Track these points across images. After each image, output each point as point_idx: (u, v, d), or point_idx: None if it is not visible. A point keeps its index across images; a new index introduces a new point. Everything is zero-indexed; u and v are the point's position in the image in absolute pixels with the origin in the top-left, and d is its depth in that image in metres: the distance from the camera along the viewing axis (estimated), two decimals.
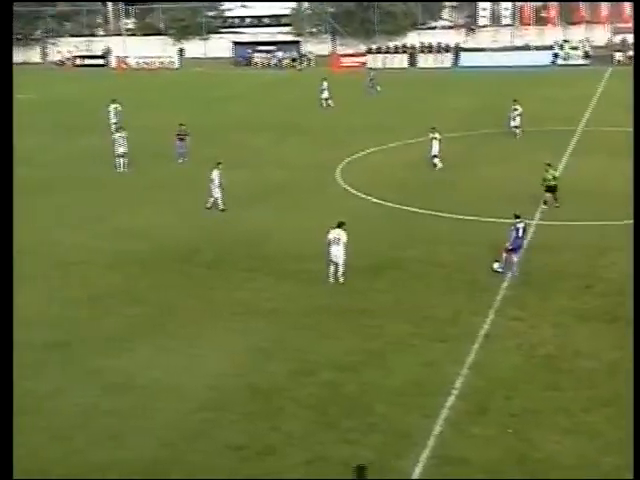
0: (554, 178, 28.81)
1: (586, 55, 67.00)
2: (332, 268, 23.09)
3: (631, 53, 64.38)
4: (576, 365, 18.11)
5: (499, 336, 19.53)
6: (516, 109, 39.78)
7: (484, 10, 72.37)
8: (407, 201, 29.88)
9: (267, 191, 32.45)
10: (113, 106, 44.38)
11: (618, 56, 65.31)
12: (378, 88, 56.52)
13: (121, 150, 36.24)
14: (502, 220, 26.89)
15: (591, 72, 61.02)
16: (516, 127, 39.70)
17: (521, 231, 23.28)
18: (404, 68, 70.49)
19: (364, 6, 75.67)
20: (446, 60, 70.83)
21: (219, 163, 30.30)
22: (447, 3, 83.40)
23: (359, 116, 47.88)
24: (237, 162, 35.46)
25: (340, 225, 23.36)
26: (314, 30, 79.96)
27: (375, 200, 30.31)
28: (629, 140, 38.25)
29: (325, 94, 50.71)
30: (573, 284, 22.45)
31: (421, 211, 29.04)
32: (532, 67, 64.85)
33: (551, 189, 28.65)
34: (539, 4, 73.00)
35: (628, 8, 69.52)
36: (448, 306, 21.23)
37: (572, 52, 67.43)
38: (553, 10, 70.63)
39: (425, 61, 71.19)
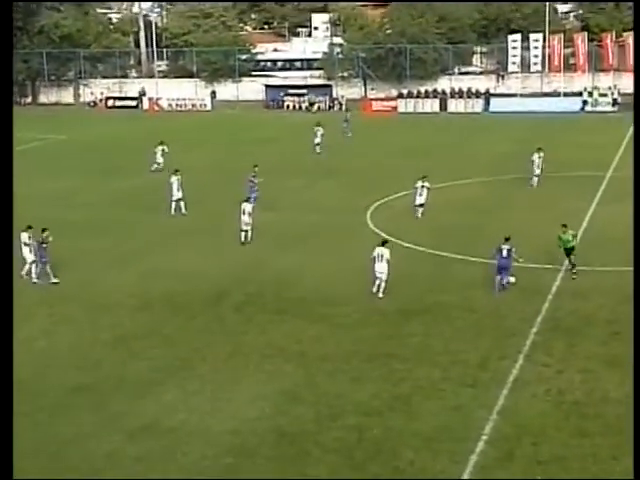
0: (574, 237, 26.90)
1: (614, 102, 67.05)
2: (377, 282, 25.10)
3: None
4: (604, 411, 17.98)
5: (528, 381, 19.45)
6: (540, 156, 39.55)
7: (514, 57, 72.71)
8: (439, 246, 29.91)
9: (298, 234, 32.61)
10: (160, 147, 44.94)
11: None
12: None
13: (179, 194, 35.40)
14: (532, 265, 26.89)
15: (619, 118, 60.96)
16: (537, 175, 39.46)
17: (505, 252, 24.87)
18: (435, 112, 70.87)
19: (395, 52, 76.36)
20: (476, 105, 71.14)
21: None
22: (477, 49, 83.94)
23: (389, 159, 48.08)
24: (269, 204, 35.72)
25: (384, 243, 25.65)
26: (345, 74, 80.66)
27: (406, 244, 30.37)
28: None
29: (317, 139, 50.30)
30: (602, 330, 22.34)
31: (453, 256, 29.02)
32: (561, 113, 64.99)
33: (569, 251, 26.67)
34: (568, 51, 73.24)
35: None
36: (477, 351, 21.17)
37: (601, 99, 67.54)
38: (582, 57, 70.85)
39: (456, 106, 71.53)
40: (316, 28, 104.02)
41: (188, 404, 18.69)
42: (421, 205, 34.33)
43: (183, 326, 23.34)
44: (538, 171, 39.47)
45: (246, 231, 31.24)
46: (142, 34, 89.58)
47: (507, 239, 25.36)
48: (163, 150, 44.77)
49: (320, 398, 18.86)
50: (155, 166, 44.12)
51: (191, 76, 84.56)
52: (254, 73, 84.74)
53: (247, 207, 31.31)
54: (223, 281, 27.04)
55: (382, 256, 25.06)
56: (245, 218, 31.10)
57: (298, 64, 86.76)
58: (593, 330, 22.34)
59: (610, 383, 19.23)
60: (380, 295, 25.03)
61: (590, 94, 68.16)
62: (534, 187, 39.28)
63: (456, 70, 79.06)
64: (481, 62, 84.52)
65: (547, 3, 76.65)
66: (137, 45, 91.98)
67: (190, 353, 21.41)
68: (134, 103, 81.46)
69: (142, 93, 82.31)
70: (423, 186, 34.36)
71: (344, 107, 71.21)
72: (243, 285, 26.71)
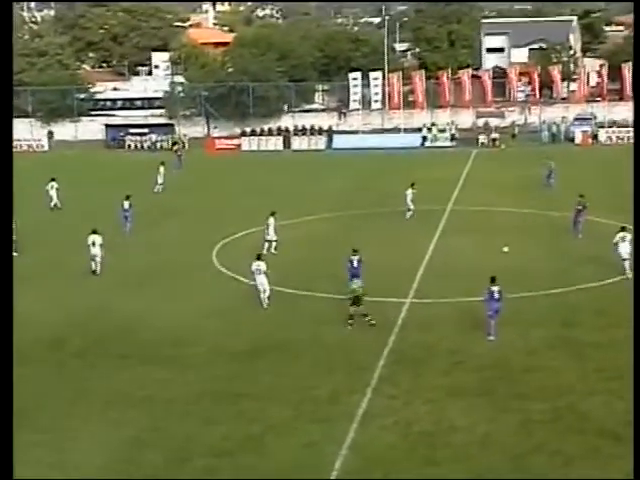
0: (361, 288, 25.88)
1: (452, 137, 69.63)
2: (262, 295, 27.52)
3: (494, 135, 67.42)
4: (452, 440, 18.49)
5: (376, 414, 19.78)
6: (414, 192, 40.55)
7: (355, 94, 74.30)
8: (285, 282, 30.07)
9: (142, 275, 32.17)
10: (51, 184, 45.83)
11: (482, 139, 68.12)
12: (173, 171, 56.58)
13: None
14: (378, 299, 27.47)
15: (457, 153, 63.33)
16: (410, 209, 40.49)
17: (497, 294, 24.37)
18: (279, 150, 71.60)
19: (238, 90, 76.80)
20: (320, 142, 72.32)
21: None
22: (319, 87, 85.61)
23: (233, 198, 48.18)
24: (111, 245, 35.02)
25: (259, 257, 28.05)
26: (188, 113, 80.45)
27: (253, 282, 30.44)
28: (495, 219, 39.96)
29: (160, 179, 50.30)
30: (445, 360, 23.02)
31: (302, 292, 29.29)
32: (402, 149, 66.86)
33: (357, 300, 25.62)
34: (407, 89, 75.69)
35: (490, 93, 72.98)
36: (328, 386, 21.40)
37: (439, 134, 69.99)
38: (420, 95, 73.27)
39: (299, 143, 72.50)
40: (156, 66, 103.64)
41: (30, 457, 17.96)
42: (273, 241, 34.77)
43: (20, 375, 22.46)
44: (412, 206, 40.39)
45: (95, 261, 32.39)
46: None
47: (493, 280, 24.61)
48: (52, 187, 45.74)
49: (168, 442, 18.57)
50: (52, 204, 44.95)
51: (26, 116, 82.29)
52: (93, 112, 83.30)
53: (97, 239, 32.20)
54: (64, 327, 26.30)
55: (260, 269, 27.44)
56: (95, 250, 32.17)
57: (139, 103, 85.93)
58: (436, 361, 22.99)
59: (455, 412, 19.81)
60: (265, 306, 27.45)
61: (429, 130, 70.50)
62: (407, 220, 40.02)
63: (299, 108, 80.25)
64: (323, 100, 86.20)
65: (385, 43, 79.27)
66: None
67: (28, 403, 20.62)
68: None
69: None
70: (268, 224, 34.89)
71: (180, 144, 70.29)
72: (85, 330, 26.06)
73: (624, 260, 30.39)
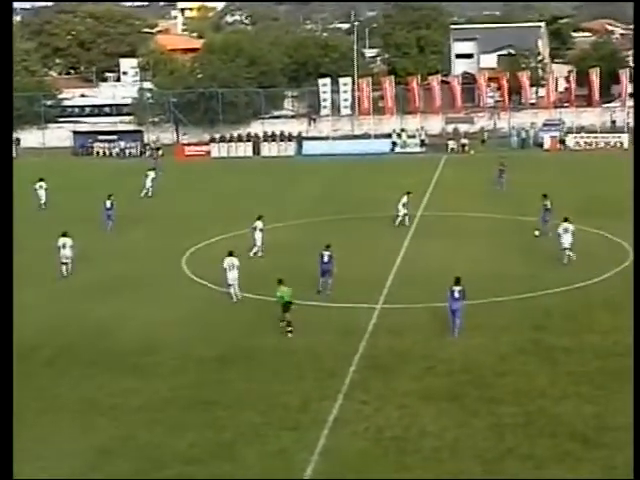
0: (282, 297, 26.12)
1: (422, 143, 69.85)
2: (232, 290, 29.09)
3: (463, 141, 67.76)
4: (422, 445, 18.56)
5: (348, 420, 19.82)
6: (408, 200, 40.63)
7: (324, 101, 74.33)
8: (256, 289, 30.06)
9: (112, 283, 31.96)
10: (39, 184, 47.74)
11: (451, 144, 68.42)
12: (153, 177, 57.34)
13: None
14: (349, 305, 27.55)
15: (427, 159, 63.63)
16: (404, 215, 40.52)
17: (457, 294, 25.24)
18: (249, 157, 71.55)
19: (207, 96, 76.69)
20: (289, 148, 72.33)
21: None
22: (289, 93, 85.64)
23: (202, 204, 48.08)
24: (80, 253, 34.80)
25: (231, 254, 29.44)
26: (156, 119, 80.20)
27: (223, 289, 30.40)
28: (465, 224, 40.21)
29: (148, 183, 51.04)
30: (416, 366, 23.11)
31: (270, 299, 29.24)
32: (372, 155, 67.05)
33: (286, 307, 26.05)
34: (377, 94, 75.95)
35: (459, 99, 73.41)
36: (298, 393, 21.41)
37: (409, 140, 70.22)
38: (390, 100, 73.51)
39: (269, 150, 72.47)
40: (125, 73, 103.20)
41: None
42: (257, 245, 35.48)
43: None
44: (404, 211, 40.34)
45: (66, 264, 32.83)
46: None
47: (458, 281, 25.44)
48: (41, 187, 47.66)
49: (138, 451, 18.47)
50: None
51: None
52: (61, 119, 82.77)
53: (67, 241, 32.83)
54: (33, 334, 26.10)
55: (233, 265, 28.88)
56: (66, 252, 32.75)
57: (107, 110, 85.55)
58: (408, 366, 23.08)
59: (426, 417, 19.89)
60: (239, 297, 29.03)
61: (399, 136, 70.74)
62: (403, 226, 40.10)
63: (268, 114, 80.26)
64: (293, 106, 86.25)
65: (354, 48, 79.55)
66: None
67: None
68: None
69: None
70: (255, 227, 35.49)
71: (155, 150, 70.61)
72: (54, 338, 25.90)
73: (564, 249, 32.59)
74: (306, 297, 28.54)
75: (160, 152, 69.09)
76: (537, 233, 35.71)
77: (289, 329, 25.69)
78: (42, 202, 47.44)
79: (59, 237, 33.06)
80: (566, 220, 33.12)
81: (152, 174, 51.60)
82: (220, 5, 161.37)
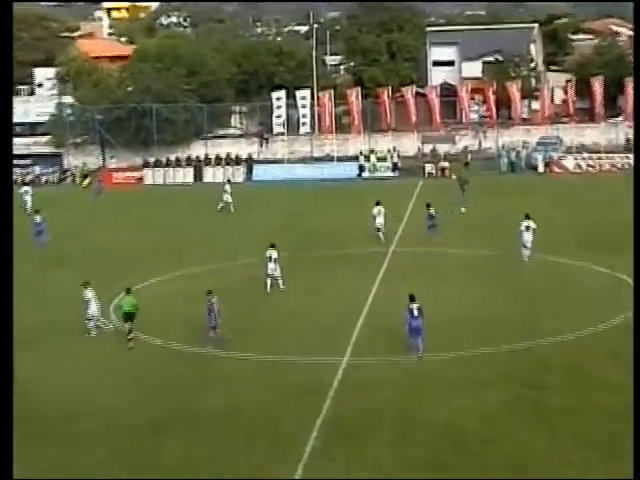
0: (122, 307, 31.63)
1: (394, 167, 70.21)
2: (269, 281, 35.22)
3: (443, 164, 68.22)
4: None
5: None
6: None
7: (279, 117, 74.37)
8: (197, 341, 30.13)
9: (29, 336, 31.55)
10: (25, 189, 56.93)
11: (429, 168, 68.65)
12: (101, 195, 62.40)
13: None
14: (311, 359, 27.70)
15: (401, 186, 63.96)
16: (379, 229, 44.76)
17: (416, 311, 27.99)
18: (189, 183, 71.67)
19: (139, 112, 76.76)
20: (237, 174, 72.53)
21: None
22: (236, 108, 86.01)
23: (133, 240, 48.02)
24: None
25: (273, 245, 35.99)
26: (79, 140, 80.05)
27: (159, 342, 30.42)
28: (444, 261, 40.59)
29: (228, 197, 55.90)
30: (389, 429, 23.25)
31: (217, 352, 29.33)
32: (335, 180, 67.44)
33: (128, 317, 30.90)
34: (340, 110, 76.52)
35: (438, 114, 74.12)
36: (249, 460, 21.56)
37: (379, 164, 70.51)
38: (356, 117, 73.86)
39: (213, 175, 72.62)
40: (40, 85, 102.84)
41: None
42: (277, 277, 36.80)
43: None
44: (382, 227, 44.94)
45: None
46: None
47: (412, 298, 28.34)
48: None
49: None
50: None
51: None
52: None
53: None
54: None
55: (274, 257, 35.99)
56: None
57: (19, 129, 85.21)
58: (379, 430, 23.22)
59: None
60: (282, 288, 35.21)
61: (367, 158, 71.14)
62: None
63: (212, 133, 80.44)
64: (241, 123, 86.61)
65: (313, 55, 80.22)
66: None
67: None
68: None
69: None
70: (271, 257, 36.60)
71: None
72: None
73: (524, 247, 39.01)
74: (257, 350, 28.73)
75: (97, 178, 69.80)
76: (463, 210, 42.46)
77: (129, 337, 30.03)
78: (29, 207, 53.70)
79: None
80: (527, 217, 39.39)
81: (228, 187, 56.97)
82: (154, 5, 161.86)
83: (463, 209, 50.66)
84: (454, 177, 55.36)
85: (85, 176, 72.67)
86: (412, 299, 28.40)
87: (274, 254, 36.27)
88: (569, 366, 27.33)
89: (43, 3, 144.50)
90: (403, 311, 28.51)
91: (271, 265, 36.23)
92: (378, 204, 45.34)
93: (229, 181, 61.89)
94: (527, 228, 39.24)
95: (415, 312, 28.08)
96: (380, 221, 44.81)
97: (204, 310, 30.09)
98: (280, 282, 36.44)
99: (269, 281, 36.47)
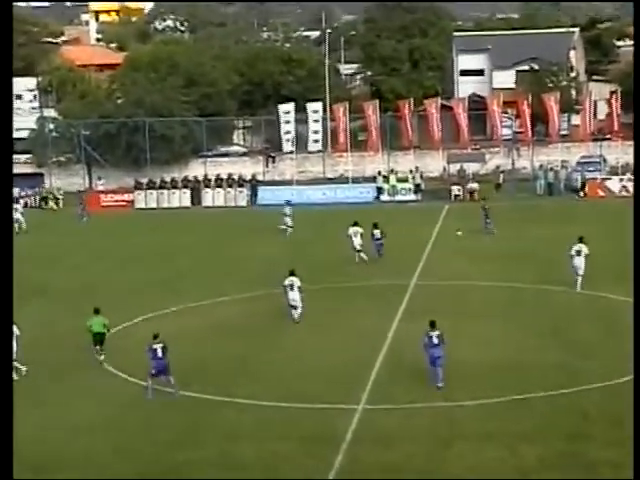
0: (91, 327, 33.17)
1: (417, 189, 70.19)
2: (292, 311, 36.09)
3: (471, 186, 68.16)
4: None
5: None
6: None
7: (287, 133, 73.80)
8: (190, 384, 30.04)
9: None
10: (15, 207, 57.82)
11: (455, 190, 68.69)
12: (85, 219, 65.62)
13: None
14: (322, 405, 27.54)
15: (424, 210, 63.98)
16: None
17: (435, 339, 28.89)
18: (186, 207, 71.74)
19: (130, 127, 76.96)
20: (240, 197, 72.60)
21: None
22: (240, 123, 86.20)
23: (121, 273, 48.05)
24: None
25: (292, 273, 36.59)
26: (63, 159, 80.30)
27: (146, 384, 30.31)
28: (472, 296, 40.44)
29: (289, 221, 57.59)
30: None
31: (210, 397, 29.22)
32: (350, 204, 67.40)
33: (98, 338, 32.99)
34: (356, 125, 76.60)
35: (465, 130, 73.98)
36: None
37: (399, 185, 70.50)
38: (374, 132, 73.60)
39: (213, 198, 72.71)
40: (19, 97, 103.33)
41: None
42: (298, 306, 37.23)
43: None
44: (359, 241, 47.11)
45: None
46: None
47: (433, 324, 29.38)
48: None
49: None
50: None
51: None
52: None
53: None
54: None
55: (293, 285, 36.51)
56: None
57: None
58: None
59: None
60: (297, 320, 36.27)
61: (386, 179, 71.16)
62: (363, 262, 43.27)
63: (212, 151, 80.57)
64: (245, 140, 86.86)
65: (326, 63, 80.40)
66: None
67: None
68: None
69: None
70: (293, 285, 36.98)
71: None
72: None
73: (578, 275, 39.12)
74: (258, 395, 28.62)
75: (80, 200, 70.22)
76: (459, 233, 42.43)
77: (101, 352, 32.30)
78: (19, 226, 56.78)
79: None
80: (581, 240, 39.57)
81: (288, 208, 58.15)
82: (147, 7, 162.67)
83: (459, 232, 52.83)
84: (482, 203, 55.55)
85: (56, 199, 73.11)
86: (432, 325, 29.36)
87: (296, 282, 36.72)
88: (612, 415, 27.09)
89: (23, 4, 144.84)
90: (422, 337, 29.40)
91: (292, 294, 36.70)
92: (356, 224, 47.74)
93: (289, 202, 60.37)
94: (578, 252, 39.53)
95: (435, 340, 28.98)
96: (358, 241, 47.12)
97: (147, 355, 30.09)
98: (298, 312, 36.88)
99: (292, 311, 36.97)
